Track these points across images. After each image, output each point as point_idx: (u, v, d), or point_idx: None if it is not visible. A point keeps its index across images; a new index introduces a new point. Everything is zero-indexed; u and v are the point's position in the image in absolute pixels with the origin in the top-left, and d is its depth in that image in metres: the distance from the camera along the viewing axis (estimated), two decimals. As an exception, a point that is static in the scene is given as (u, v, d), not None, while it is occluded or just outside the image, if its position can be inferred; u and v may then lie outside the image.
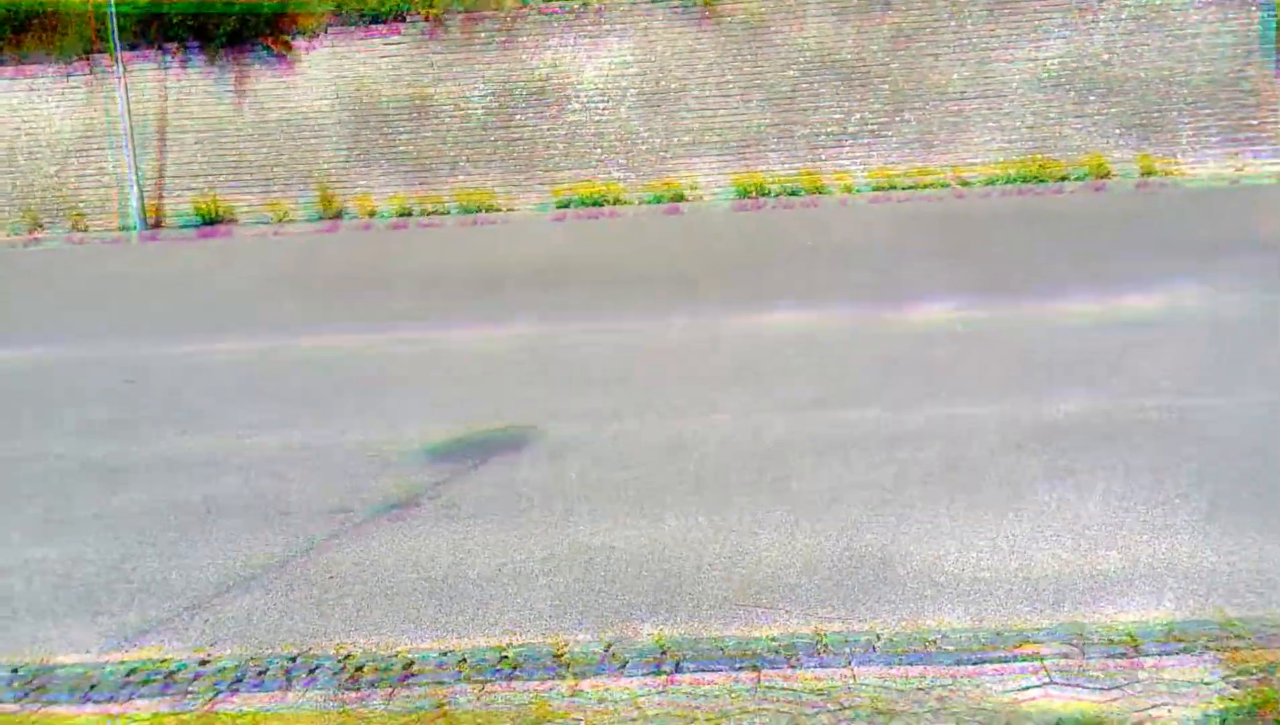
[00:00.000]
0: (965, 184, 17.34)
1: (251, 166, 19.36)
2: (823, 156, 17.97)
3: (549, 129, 18.58)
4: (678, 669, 3.86)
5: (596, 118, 18.50)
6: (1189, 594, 4.19)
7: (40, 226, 19.78)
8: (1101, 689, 3.58)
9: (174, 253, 16.91)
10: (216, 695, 3.85)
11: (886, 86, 17.74)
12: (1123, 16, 17.19)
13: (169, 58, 19.43)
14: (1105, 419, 6.22)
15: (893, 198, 16.84)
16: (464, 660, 4.00)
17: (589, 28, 18.39)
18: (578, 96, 18.53)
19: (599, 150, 18.51)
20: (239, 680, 3.94)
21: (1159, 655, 3.76)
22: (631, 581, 4.56)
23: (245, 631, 4.31)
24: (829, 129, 17.94)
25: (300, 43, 19.08)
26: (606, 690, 3.76)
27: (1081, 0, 17.21)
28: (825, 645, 3.95)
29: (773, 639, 4.02)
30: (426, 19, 18.71)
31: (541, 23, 18.46)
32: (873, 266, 11.45)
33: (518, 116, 18.65)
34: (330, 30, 18.99)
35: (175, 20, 19.05)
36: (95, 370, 9.12)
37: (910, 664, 3.80)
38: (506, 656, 4.01)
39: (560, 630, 4.20)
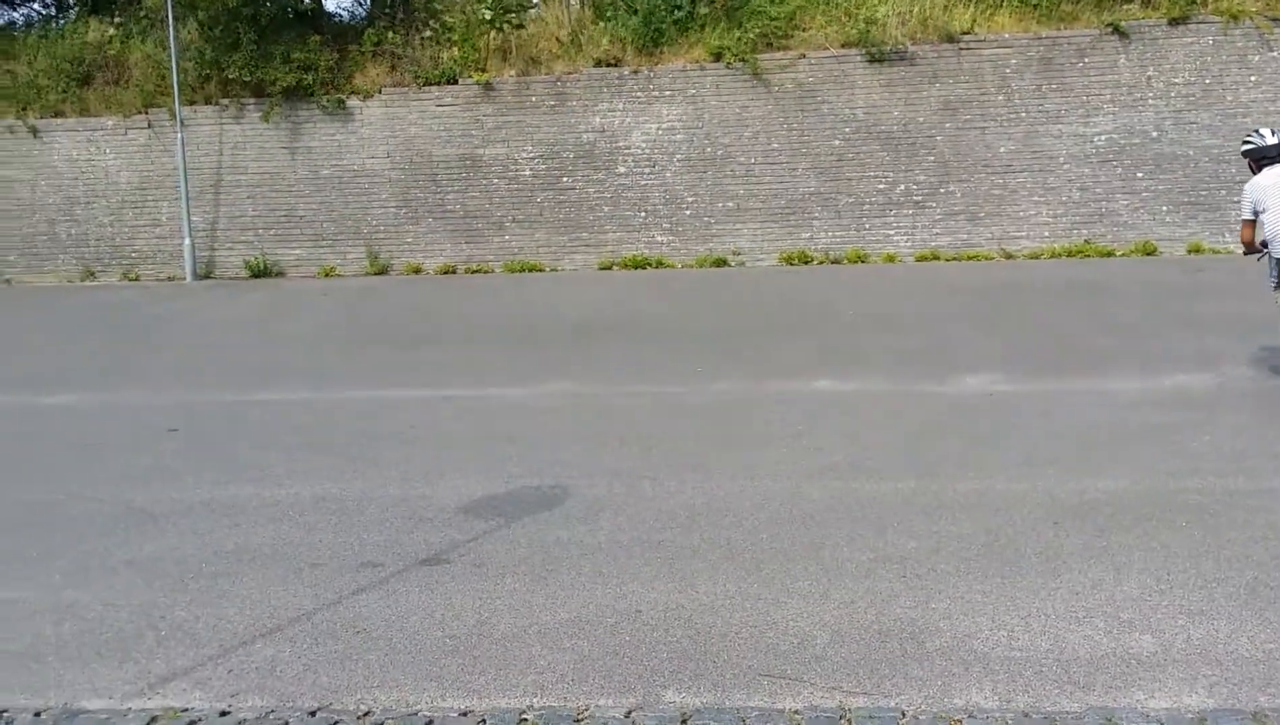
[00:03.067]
0: (1010, 256, 17.29)
1: (301, 222, 19.65)
2: (866, 226, 18.00)
3: (595, 192, 18.75)
4: (699, 737, 3.82)
5: (642, 182, 18.64)
6: (1223, 682, 4.10)
7: (93, 275, 20.13)
8: (1131, 776, 3.51)
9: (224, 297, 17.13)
10: (236, 747, 3.84)
11: (933, 158, 17.78)
12: (1171, 95, 17.18)
13: (226, 113, 19.81)
14: (1144, 499, 6.14)
15: (936, 269, 16.81)
16: (484, 721, 3.97)
17: (637, 93, 18.59)
18: (624, 160, 18.69)
19: (644, 214, 18.64)
20: (259, 733, 3.93)
21: (1191, 743, 3.69)
22: (657, 646, 4.52)
23: (268, 683, 4.31)
24: (874, 198, 17.98)
25: (354, 101, 19.41)
26: (627, 756, 3.72)
27: (1131, 76, 17.22)
28: (849, 720, 3.90)
29: (796, 712, 3.97)
30: (478, 82, 18.99)
31: (590, 87, 18.69)
32: (915, 336, 11.40)
33: (564, 179, 18.84)
34: (384, 90, 19.31)
35: (233, 76, 19.45)
36: (140, 416, 9.24)
37: (936, 742, 3.74)
38: (526, 719, 3.98)
39: (582, 694, 4.16)
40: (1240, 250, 9.39)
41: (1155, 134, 17.22)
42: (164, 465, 7.66)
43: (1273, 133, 8.83)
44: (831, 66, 18.06)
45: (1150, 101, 17.22)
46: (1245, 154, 9.05)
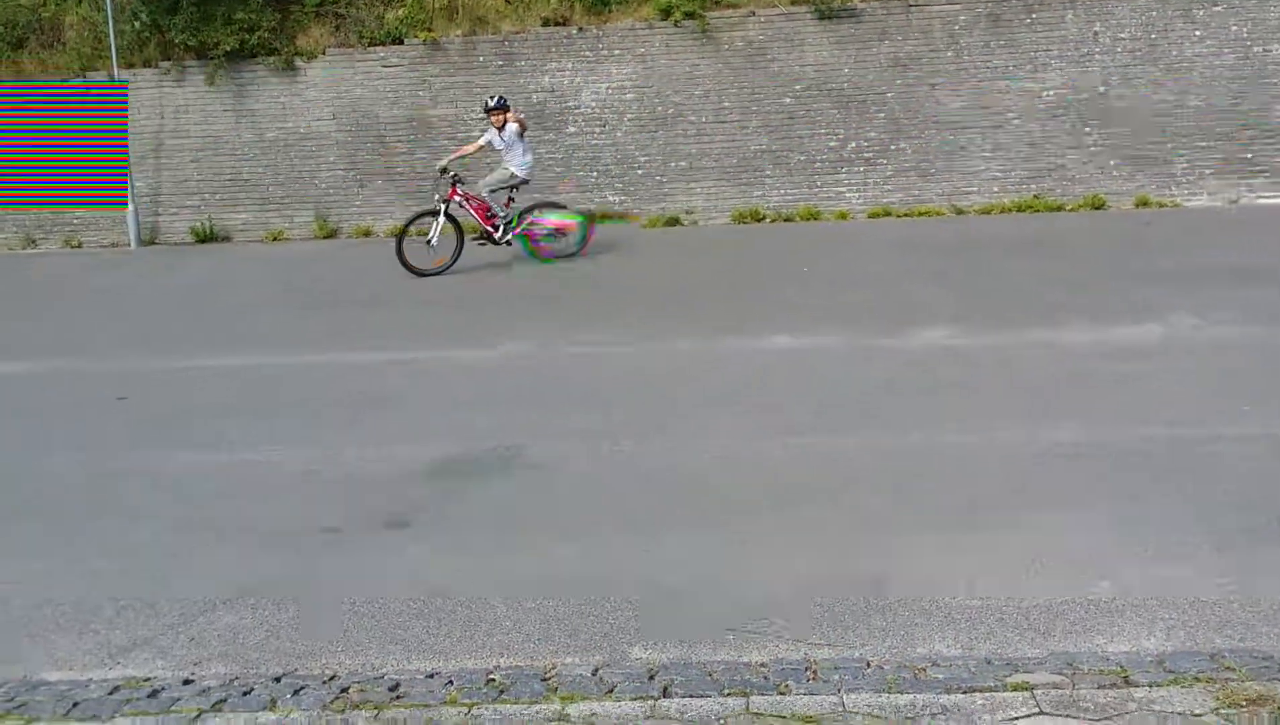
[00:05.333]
0: (961, 212, 17.37)
1: (247, 186, 19.37)
2: (819, 183, 18.01)
3: (546, 153, 18.61)
4: (665, 693, 3.84)
5: (593, 142, 18.53)
6: (1180, 625, 4.17)
7: (34, 243, 19.77)
8: (1092, 720, 3.56)
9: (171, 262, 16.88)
10: (200, 714, 3.81)
11: (883, 115, 17.79)
12: (1118, 50, 17.28)
13: (167, 76, 19.46)
14: (1099, 448, 6.21)
15: (888, 224, 16.87)
16: (450, 682, 3.97)
17: (586, 52, 18.44)
18: (575, 120, 18.56)
19: (596, 174, 18.54)
20: (223, 700, 3.91)
21: (1149, 687, 3.74)
22: (621, 604, 4.53)
23: (231, 650, 4.28)
24: (825, 156, 17.99)
25: (299, 63, 19.12)
26: (593, 714, 3.73)
27: (1079, 32, 17.29)
28: (815, 672, 3.93)
29: (762, 665, 4.00)
30: (424, 42, 18.76)
31: (539, 46, 18.52)
32: (868, 292, 11.45)
33: (515, 139, 18.66)
34: (328, 51, 19.03)
35: (174, 39, 19.09)
36: (88, 384, 9.11)
37: (900, 692, 3.78)
38: (494, 679, 3.98)
39: (549, 653, 4.17)
40: None
41: (1103, 89, 17.31)
42: (114, 434, 7.56)
43: None
44: (781, 24, 17.98)
45: (1097, 57, 17.30)
46: None
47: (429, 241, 13.70)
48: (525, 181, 14.23)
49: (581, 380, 8.47)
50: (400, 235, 13.78)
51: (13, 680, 4.11)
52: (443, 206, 13.87)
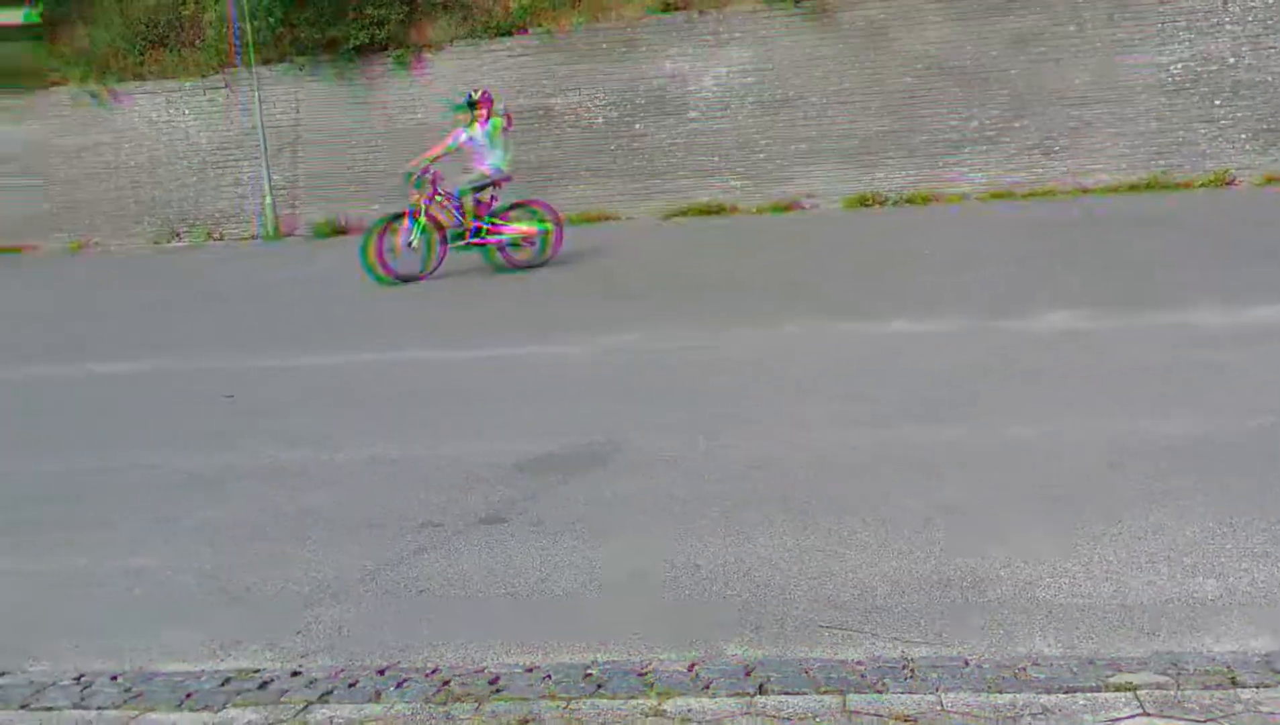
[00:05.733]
0: (1085, 191, 16.93)
1: (379, 176, 19.80)
2: (939, 164, 17.71)
3: (667, 139, 18.65)
4: (761, 690, 3.84)
5: (714, 127, 18.51)
6: (1290, 625, 4.04)
7: (177, 236, 20.51)
8: (1197, 721, 3.47)
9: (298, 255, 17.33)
10: (308, 705, 3.94)
11: (1006, 92, 17.41)
12: (1249, 20, 16.60)
13: (301, 71, 19.98)
14: (1211, 439, 6.01)
15: (1011, 205, 16.53)
16: (549, 676, 4.03)
17: (707, 36, 18.42)
18: (695, 105, 18.57)
19: (716, 159, 18.52)
20: (329, 691, 4.03)
21: (1257, 688, 3.63)
22: (716, 600, 4.55)
23: (336, 643, 4.41)
24: (946, 136, 17.67)
25: (426, 55, 19.46)
26: (690, 710, 3.75)
27: (1207, 2, 16.66)
28: (913, 670, 3.90)
29: (859, 663, 3.98)
30: (547, 31, 18.93)
31: (660, 32, 18.56)
32: (990, 273, 11.25)
33: (636, 126, 18.77)
34: (455, 42, 19.33)
35: (306, 34, 19.59)
36: (197, 382, 9.43)
37: (999, 691, 3.73)
38: (591, 673, 4.03)
39: (645, 648, 4.21)
40: None
41: (1232, 60, 16.67)
42: (221, 430, 7.79)
43: None
44: (902, 2, 17.73)
45: (1227, 27, 16.65)
46: None
47: (409, 244, 13.30)
48: (507, 179, 13.84)
49: (688, 371, 8.48)
50: (371, 237, 13.32)
51: (130, 671, 4.30)
52: (423, 207, 13.38)
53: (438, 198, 13.49)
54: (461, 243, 13.58)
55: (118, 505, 6.32)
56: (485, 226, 13.53)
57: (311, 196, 20.15)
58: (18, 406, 9.15)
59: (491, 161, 13.61)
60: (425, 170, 13.52)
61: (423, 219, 13.30)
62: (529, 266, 13.76)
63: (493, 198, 13.71)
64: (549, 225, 13.91)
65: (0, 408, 9.17)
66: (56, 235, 21.11)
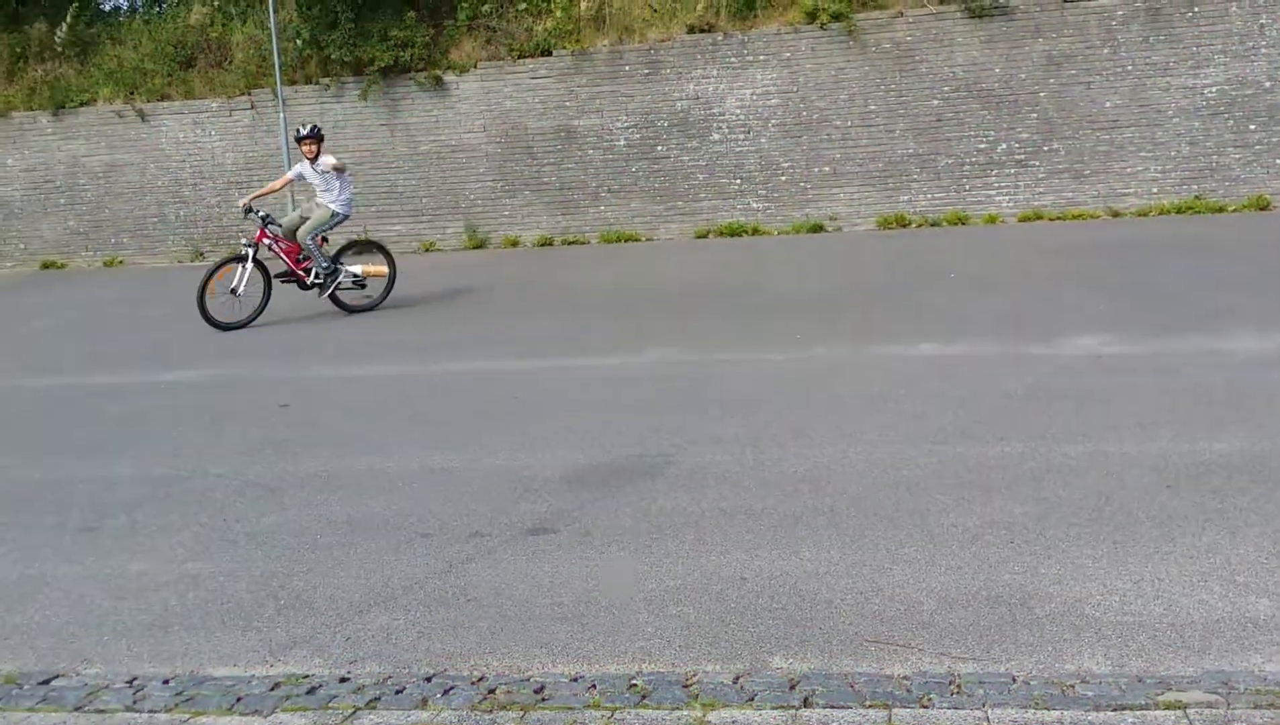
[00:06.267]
0: (1117, 214, 16.89)
1: (402, 198, 19.90)
2: (967, 187, 17.71)
3: (690, 160, 18.69)
4: (806, 703, 3.83)
5: (737, 149, 18.55)
6: (1344, 644, 4.02)
7: (202, 255, 20.61)
8: (1247, 740, 3.46)
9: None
10: (356, 711, 3.96)
11: (1035, 115, 17.42)
12: (1284, 42, 16.61)
13: (326, 92, 20.09)
14: (1260, 460, 5.99)
15: (1040, 228, 16.51)
16: (594, 686, 4.03)
17: (731, 58, 18.47)
18: (719, 127, 18.61)
19: (739, 181, 18.55)
20: (377, 698, 4.04)
21: (1310, 709, 3.61)
22: (763, 613, 4.55)
23: (384, 650, 4.43)
24: (974, 159, 17.68)
25: (451, 76, 19.56)
26: (734, 722, 3.75)
27: (1243, 25, 16.66)
28: (959, 686, 3.88)
29: (905, 677, 3.97)
30: (572, 52, 19.02)
31: (684, 54, 18.61)
32: (1019, 297, 11.23)
33: (659, 148, 18.82)
34: (480, 64, 19.43)
35: (333, 55, 19.72)
36: (253, 392, 9.50)
37: (1047, 708, 3.71)
38: (635, 684, 4.03)
39: (690, 660, 4.21)
40: None
41: (1269, 84, 16.65)
42: (277, 439, 7.87)
43: None
44: (930, 24, 17.76)
45: (1263, 51, 16.65)
46: None
47: (233, 290, 12.61)
48: (345, 218, 13.18)
49: (725, 388, 8.49)
50: (203, 285, 12.53)
51: (182, 675, 4.33)
52: (250, 251, 12.77)
53: (266, 241, 12.93)
54: (288, 280, 13.12)
55: (178, 512, 6.40)
56: (327, 269, 13.06)
57: (336, 216, 20.25)
58: (91, 412, 9.19)
59: (337, 199, 12.99)
60: (252, 208, 13.02)
61: (250, 264, 12.72)
62: (366, 308, 13.37)
63: (323, 239, 13.20)
64: (391, 268, 13.51)
65: (82, 412, 9.23)
66: (84, 253, 21.26)
